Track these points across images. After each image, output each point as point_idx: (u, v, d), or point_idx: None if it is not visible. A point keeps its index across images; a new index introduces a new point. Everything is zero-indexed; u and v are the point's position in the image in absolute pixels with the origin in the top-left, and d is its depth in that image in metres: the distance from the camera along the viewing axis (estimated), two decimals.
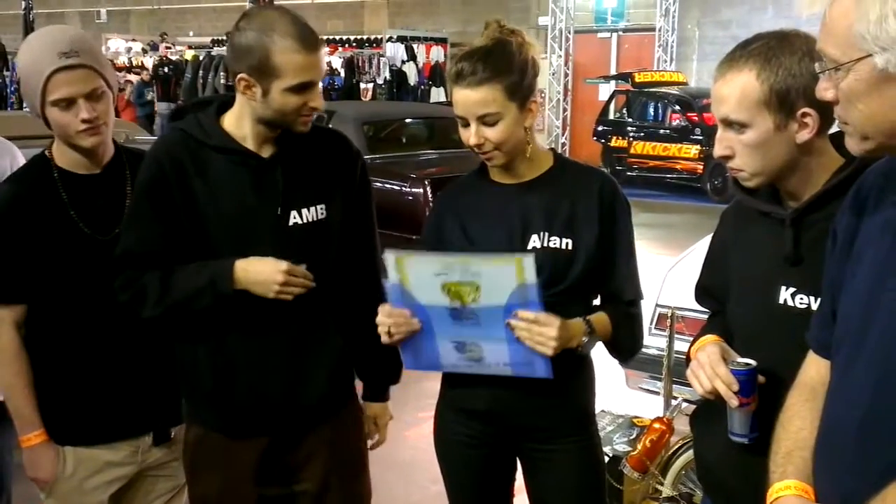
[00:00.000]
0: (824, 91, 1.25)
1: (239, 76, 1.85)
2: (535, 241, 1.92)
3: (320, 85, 1.92)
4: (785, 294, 1.60)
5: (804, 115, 1.53)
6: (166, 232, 1.93)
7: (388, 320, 1.86)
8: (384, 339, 1.87)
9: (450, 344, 1.88)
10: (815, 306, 1.56)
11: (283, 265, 1.87)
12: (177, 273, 1.92)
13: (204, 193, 1.92)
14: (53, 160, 2.07)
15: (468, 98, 1.86)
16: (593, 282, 1.97)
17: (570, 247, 1.92)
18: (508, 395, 1.96)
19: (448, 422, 2.10)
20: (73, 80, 1.94)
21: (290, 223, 1.96)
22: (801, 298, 1.58)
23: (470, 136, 1.88)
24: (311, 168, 2.00)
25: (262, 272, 1.87)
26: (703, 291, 1.87)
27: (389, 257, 1.81)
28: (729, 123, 1.58)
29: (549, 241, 1.92)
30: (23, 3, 15.91)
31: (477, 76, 1.84)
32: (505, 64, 1.86)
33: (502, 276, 1.78)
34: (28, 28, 15.90)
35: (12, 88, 17.16)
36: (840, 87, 1.21)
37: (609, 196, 1.95)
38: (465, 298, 1.80)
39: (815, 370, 1.44)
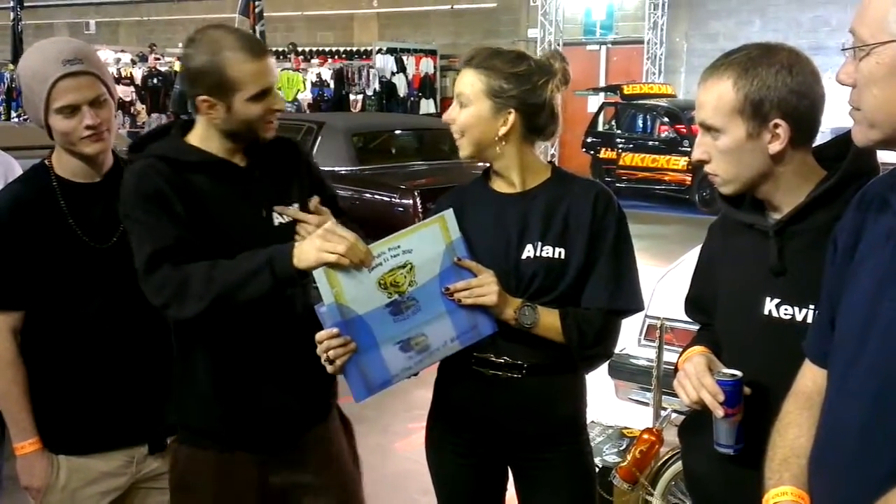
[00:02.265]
0: (844, 75, 1.27)
1: (199, 98, 1.90)
2: (529, 250, 1.94)
3: (278, 90, 1.96)
4: (769, 305, 1.62)
5: (776, 125, 1.56)
6: (184, 230, 1.86)
7: (328, 343, 1.81)
8: (329, 368, 1.84)
9: (394, 347, 1.87)
10: (799, 317, 1.58)
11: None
12: (222, 262, 1.81)
13: (192, 211, 1.89)
14: (53, 169, 2.08)
15: (459, 76, 1.98)
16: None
17: (562, 256, 1.94)
18: (500, 402, 1.98)
19: (440, 431, 2.11)
20: (78, 86, 1.97)
21: (276, 223, 1.99)
22: (786, 309, 1.60)
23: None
24: (278, 172, 2.05)
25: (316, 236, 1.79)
26: (692, 305, 1.89)
27: (318, 274, 1.76)
28: (707, 128, 1.62)
29: (542, 250, 1.94)
30: (11, 14, 15.85)
31: (473, 61, 1.95)
32: (502, 66, 1.92)
33: (431, 241, 1.85)
34: (16, 39, 15.81)
35: (0, 99, 17.09)
36: (860, 68, 1.24)
37: (602, 207, 1.97)
38: (402, 286, 1.83)
39: (810, 379, 1.45)
